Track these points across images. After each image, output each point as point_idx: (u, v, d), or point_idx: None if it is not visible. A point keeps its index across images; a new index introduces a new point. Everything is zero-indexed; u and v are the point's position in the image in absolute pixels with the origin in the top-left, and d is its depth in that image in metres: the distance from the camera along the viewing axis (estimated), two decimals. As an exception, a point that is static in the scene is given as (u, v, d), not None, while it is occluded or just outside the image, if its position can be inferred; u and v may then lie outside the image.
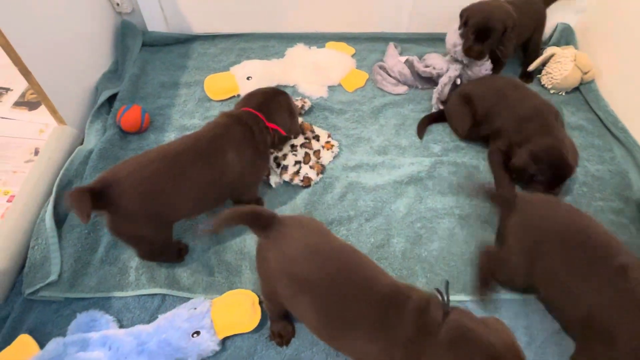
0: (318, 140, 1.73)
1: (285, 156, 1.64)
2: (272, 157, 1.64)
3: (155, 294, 1.37)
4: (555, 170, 1.49)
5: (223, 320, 1.26)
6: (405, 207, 1.59)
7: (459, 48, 1.78)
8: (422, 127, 1.84)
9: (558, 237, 1.19)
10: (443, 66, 1.88)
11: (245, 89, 1.93)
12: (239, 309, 1.29)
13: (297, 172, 1.62)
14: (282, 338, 1.27)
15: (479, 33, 1.71)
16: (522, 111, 1.59)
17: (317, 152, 1.69)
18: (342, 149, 1.77)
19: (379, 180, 1.66)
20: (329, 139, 1.74)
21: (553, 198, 1.35)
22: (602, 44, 1.98)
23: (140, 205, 1.19)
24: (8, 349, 1.23)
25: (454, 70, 1.83)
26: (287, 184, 1.64)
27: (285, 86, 2.01)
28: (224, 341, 1.28)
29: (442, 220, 1.55)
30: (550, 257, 1.18)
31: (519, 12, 1.77)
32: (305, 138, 1.72)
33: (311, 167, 1.64)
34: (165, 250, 1.40)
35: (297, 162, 1.64)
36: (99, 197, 1.12)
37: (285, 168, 1.63)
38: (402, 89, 1.99)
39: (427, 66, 1.93)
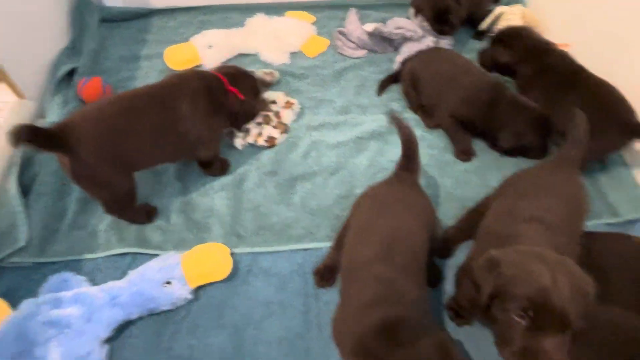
0: (276, 103, 1.75)
1: None
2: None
3: (126, 253, 1.40)
4: (543, 135, 1.56)
5: (194, 270, 1.30)
6: (367, 160, 1.65)
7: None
8: (382, 86, 1.91)
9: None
10: (416, 29, 1.96)
11: (207, 57, 1.95)
12: (209, 259, 1.33)
13: (260, 134, 1.66)
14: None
15: (437, 18, 1.80)
16: (485, 93, 1.62)
17: (277, 114, 1.72)
18: (305, 111, 1.82)
19: (341, 138, 1.72)
20: (288, 98, 1.77)
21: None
22: (548, 1, 2.07)
23: (97, 146, 1.21)
24: (-21, 313, 1.23)
25: (430, 42, 1.93)
26: (252, 145, 1.67)
27: (247, 54, 2.03)
28: (196, 291, 1.33)
29: (402, 170, 1.63)
30: None
31: None
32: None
33: (274, 127, 1.68)
34: (129, 204, 1.41)
35: (258, 124, 1.67)
36: (58, 142, 1.15)
37: (247, 131, 1.66)
38: (361, 52, 2.04)
39: (398, 28, 1.98)
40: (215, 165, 1.57)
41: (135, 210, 1.44)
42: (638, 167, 1.59)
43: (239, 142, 1.66)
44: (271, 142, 1.66)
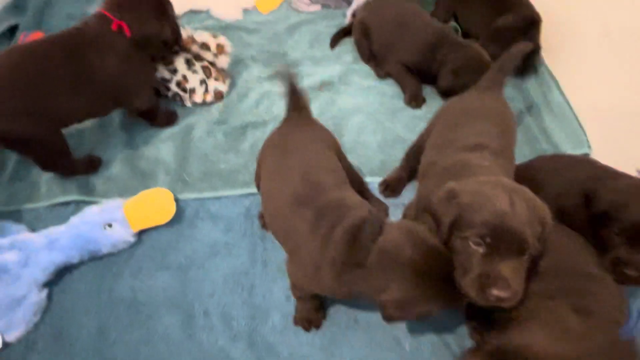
0: (209, 49, 1.65)
1: (186, 78, 1.60)
2: (174, 83, 1.60)
3: (69, 203, 1.38)
4: (479, 74, 1.49)
5: (136, 214, 1.28)
6: (318, 109, 1.65)
7: None
8: (336, 39, 1.90)
9: None
10: None
11: (156, 13, 1.90)
12: (152, 204, 1.32)
13: (207, 90, 1.62)
14: (311, 323, 1.18)
15: None
16: (428, 38, 1.64)
17: (213, 64, 1.66)
18: (257, 63, 1.80)
19: (293, 88, 1.71)
20: (218, 41, 1.66)
21: None
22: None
23: (9, 98, 1.18)
24: None
25: None
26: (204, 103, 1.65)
27: (199, 11, 1.99)
28: (140, 235, 1.31)
29: (352, 117, 1.63)
30: None
31: None
32: (196, 53, 1.66)
33: (217, 79, 1.64)
34: (64, 160, 1.38)
35: (202, 82, 1.62)
36: None
37: (193, 91, 1.62)
38: (316, 7, 2.03)
39: None
40: (159, 117, 1.54)
41: (73, 164, 1.41)
42: (580, 107, 1.62)
43: (187, 103, 1.64)
44: (219, 96, 1.64)
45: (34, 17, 1.87)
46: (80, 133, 1.54)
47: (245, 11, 2.02)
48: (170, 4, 1.48)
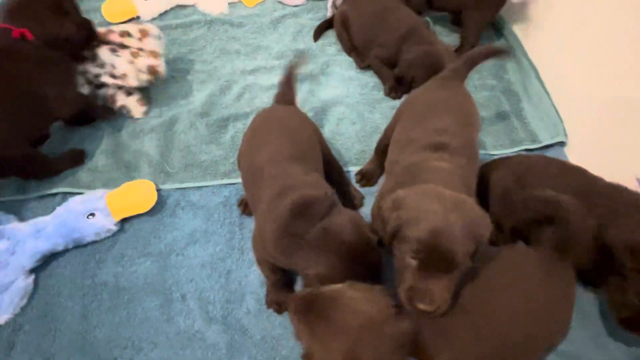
0: (130, 35, 1.60)
1: (114, 65, 1.55)
2: (108, 75, 1.56)
3: (56, 194, 1.43)
4: (431, 71, 1.50)
5: (118, 203, 1.33)
6: (300, 101, 1.66)
7: None
8: (319, 31, 1.92)
9: None
10: None
11: (143, 9, 1.94)
12: (133, 193, 1.37)
13: (140, 70, 1.57)
14: (281, 306, 1.22)
15: None
16: (400, 32, 1.65)
17: (140, 49, 1.61)
18: (240, 56, 1.83)
19: (275, 80, 1.70)
20: (140, 26, 1.63)
21: None
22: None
23: None
24: None
25: None
26: (140, 88, 1.63)
27: (185, 5, 2.03)
28: (123, 224, 1.36)
29: (333, 108, 1.66)
30: None
31: None
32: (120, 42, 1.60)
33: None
34: (40, 167, 1.42)
35: (130, 62, 1.56)
36: None
37: (125, 76, 1.56)
38: (300, 0, 2.04)
39: None
40: (97, 112, 1.57)
41: (53, 167, 1.45)
42: (558, 97, 1.63)
43: (137, 111, 1.62)
44: (154, 71, 1.59)
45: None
46: (66, 127, 1.59)
47: (231, 4, 2.05)
48: (67, 0, 1.45)
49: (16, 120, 1.32)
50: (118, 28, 1.61)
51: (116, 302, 1.24)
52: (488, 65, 1.79)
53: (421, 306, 0.87)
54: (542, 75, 1.69)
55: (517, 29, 1.84)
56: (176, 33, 1.92)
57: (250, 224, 1.37)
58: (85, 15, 1.94)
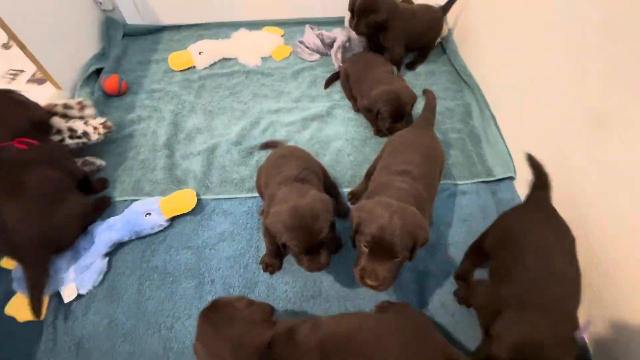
0: (71, 107, 1.56)
1: (72, 129, 1.51)
2: (68, 138, 1.50)
3: (126, 200, 1.54)
4: (392, 107, 1.58)
5: (168, 205, 1.44)
6: (309, 135, 1.76)
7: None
8: (329, 82, 2.00)
9: None
10: (340, 34, 2.03)
11: (198, 60, 2.07)
12: (179, 198, 1.47)
13: (95, 127, 1.57)
14: (269, 267, 1.34)
15: (358, 15, 1.81)
16: (373, 78, 1.71)
17: (85, 121, 1.58)
18: (268, 99, 1.93)
19: (292, 118, 1.83)
20: (78, 99, 1.60)
21: None
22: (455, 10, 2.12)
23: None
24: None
25: (341, 37, 1.98)
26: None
27: (229, 58, 2.14)
28: (172, 223, 1.47)
29: (334, 142, 1.73)
30: None
31: (418, 19, 1.90)
32: (63, 113, 1.54)
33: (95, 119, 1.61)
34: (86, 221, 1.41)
35: (85, 122, 1.56)
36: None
37: (86, 134, 1.54)
38: (316, 57, 2.13)
39: (332, 36, 2.08)
40: (94, 183, 1.53)
41: (93, 207, 1.45)
42: (510, 140, 1.65)
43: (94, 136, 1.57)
44: (107, 126, 1.60)
45: (114, 63, 2.08)
46: (137, 152, 1.72)
47: (264, 59, 2.15)
48: (10, 95, 1.34)
49: (62, 205, 1.28)
50: (59, 102, 1.56)
51: (163, 282, 1.33)
52: (458, 112, 1.84)
53: (368, 282, 0.97)
54: (499, 122, 1.72)
55: (481, 84, 1.88)
56: (221, 79, 2.03)
57: (265, 228, 1.45)
58: (154, 65, 2.14)
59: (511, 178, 1.58)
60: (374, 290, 0.98)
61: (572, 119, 1.25)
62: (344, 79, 1.89)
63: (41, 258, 1.21)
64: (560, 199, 1.11)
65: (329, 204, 1.08)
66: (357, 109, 1.85)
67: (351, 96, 1.88)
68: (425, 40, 2.03)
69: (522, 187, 1.53)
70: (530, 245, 0.98)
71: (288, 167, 1.21)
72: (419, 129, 1.34)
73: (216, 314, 0.96)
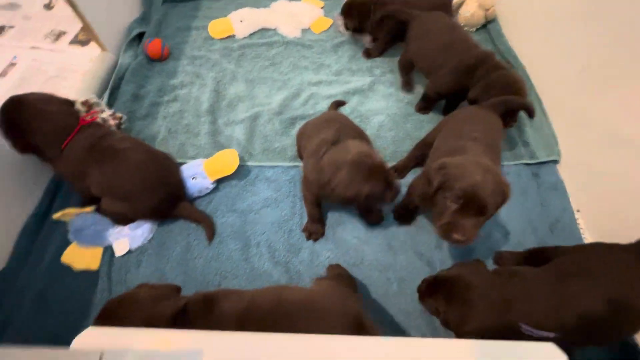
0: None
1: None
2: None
3: (172, 161, 1.56)
4: (505, 91, 1.36)
5: (212, 168, 1.44)
6: (349, 109, 1.73)
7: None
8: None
9: None
10: None
11: (239, 29, 2.03)
12: (222, 160, 1.46)
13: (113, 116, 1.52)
14: (312, 235, 1.34)
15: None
16: (467, 62, 1.44)
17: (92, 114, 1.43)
18: (308, 71, 1.89)
19: (332, 92, 1.80)
20: (87, 99, 1.47)
21: None
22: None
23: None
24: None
25: None
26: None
27: (268, 29, 2.09)
28: (218, 186, 1.48)
29: (375, 117, 1.70)
30: None
31: None
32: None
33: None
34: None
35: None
36: None
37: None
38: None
39: None
40: None
41: None
42: (557, 123, 1.61)
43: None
44: (117, 117, 1.54)
45: (154, 27, 2.06)
46: (181, 117, 1.72)
47: (303, 30, 2.10)
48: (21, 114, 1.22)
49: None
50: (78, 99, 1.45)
51: (211, 243, 1.35)
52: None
53: (456, 236, 0.95)
54: (545, 105, 1.67)
55: (527, 66, 1.81)
56: (261, 49, 1.99)
57: (308, 197, 1.46)
58: (194, 32, 2.10)
59: (554, 161, 1.55)
60: (460, 245, 0.98)
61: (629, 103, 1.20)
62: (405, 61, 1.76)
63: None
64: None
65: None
66: (408, 90, 1.79)
67: (409, 71, 1.79)
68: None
69: (567, 171, 1.50)
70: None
71: (330, 129, 1.22)
72: (480, 109, 1.32)
73: (120, 310, 0.85)
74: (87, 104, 1.44)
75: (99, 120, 1.40)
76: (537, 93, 1.71)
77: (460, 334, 0.96)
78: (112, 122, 1.50)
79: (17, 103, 1.20)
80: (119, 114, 1.56)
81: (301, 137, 1.38)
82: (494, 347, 0.64)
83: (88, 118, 1.32)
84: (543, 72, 1.71)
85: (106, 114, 1.49)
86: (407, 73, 1.81)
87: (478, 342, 0.64)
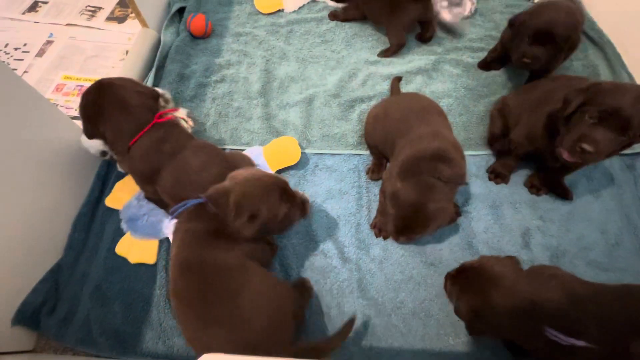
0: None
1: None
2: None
3: (226, 148, 1.42)
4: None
5: (273, 159, 1.31)
6: (413, 90, 1.55)
7: None
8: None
9: None
10: None
11: (287, 2, 1.84)
12: (283, 150, 1.33)
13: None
14: (382, 231, 1.21)
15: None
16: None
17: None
18: (364, 49, 1.70)
19: (393, 71, 1.61)
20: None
21: None
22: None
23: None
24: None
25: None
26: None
27: (317, 2, 1.88)
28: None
29: (442, 100, 1.51)
30: None
31: None
32: None
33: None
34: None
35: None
36: None
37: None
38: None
39: None
40: None
41: None
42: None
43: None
44: (191, 115, 1.39)
45: (195, 2, 1.88)
46: (231, 99, 1.56)
47: (354, 4, 1.89)
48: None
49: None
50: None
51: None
52: (580, 74, 1.56)
53: (584, 146, 0.89)
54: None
55: (617, 43, 1.58)
56: (310, 25, 1.80)
57: (375, 188, 1.31)
58: (236, 6, 1.92)
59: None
60: (585, 160, 0.92)
61: None
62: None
63: None
64: None
65: None
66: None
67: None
68: None
69: (667, 162, 1.30)
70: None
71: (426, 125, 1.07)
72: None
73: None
74: (165, 99, 1.31)
75: (175, 119, 1.19)
76: (630, 72, 1.49)
77: (469, 326, 0.93)
78: (190, 122, 1.32)
79: (99, 86, 1.04)
80: (191, 115, 1.37)
81: (375, 120, 1.22)
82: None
83: (169, 115, 1.14)
84: (636, 52, 1.48)
85: (182, 113, 1.32)
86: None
87: None
